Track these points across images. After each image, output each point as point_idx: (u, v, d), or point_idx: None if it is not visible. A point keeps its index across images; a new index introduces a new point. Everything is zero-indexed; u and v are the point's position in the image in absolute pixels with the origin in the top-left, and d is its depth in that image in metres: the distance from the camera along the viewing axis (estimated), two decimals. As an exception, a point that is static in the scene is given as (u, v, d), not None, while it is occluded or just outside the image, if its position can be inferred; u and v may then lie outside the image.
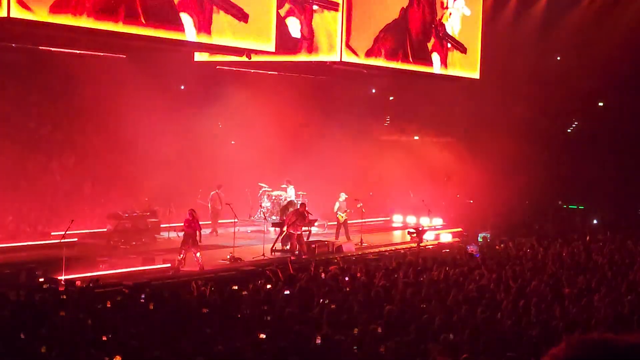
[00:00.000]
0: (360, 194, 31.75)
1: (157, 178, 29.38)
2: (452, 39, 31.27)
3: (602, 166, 37.20)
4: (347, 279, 19.50)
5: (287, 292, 17.27)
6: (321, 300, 16.27)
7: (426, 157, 37.03)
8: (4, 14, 18.50)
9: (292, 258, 24.31)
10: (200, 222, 24.02)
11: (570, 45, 38.68)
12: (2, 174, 27.99)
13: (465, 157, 35.94)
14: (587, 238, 29.02)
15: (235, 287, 18.00)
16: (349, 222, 30.14)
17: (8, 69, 28.81)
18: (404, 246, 28.80)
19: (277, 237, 26.97)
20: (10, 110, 29.28)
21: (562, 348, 2.56)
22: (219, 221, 30.17)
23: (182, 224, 23.98)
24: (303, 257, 25.28)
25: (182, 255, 22.92)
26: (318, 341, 12.80)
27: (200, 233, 23.79)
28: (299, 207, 27.48)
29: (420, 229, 26.50)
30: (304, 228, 27.16)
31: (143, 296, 16.68)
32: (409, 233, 27.10)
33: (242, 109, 33.19)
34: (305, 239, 27.03)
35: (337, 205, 29.99)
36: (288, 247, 26.20)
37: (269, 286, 17.96)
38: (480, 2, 32.74)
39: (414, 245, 25.76)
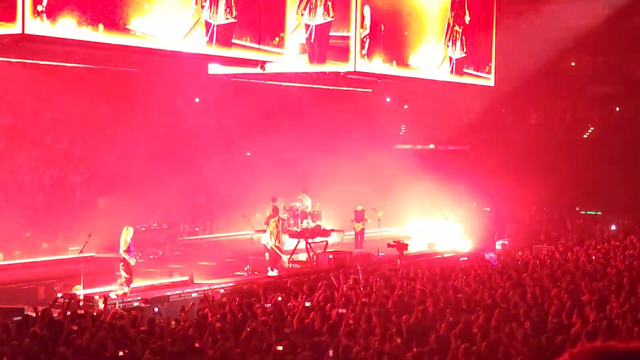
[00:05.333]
0: (377, 203, 31.72)
1: (173, 191, 29.43)
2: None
3: (620, 171, 37.04)
4: (364, 289, 19.45)
5: (307, 303, 17.25)
6: (339, 310, 16.23)
7: (442, 165, 36.96)
8: (19, 31, 18.52)
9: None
10: None
11: (585, 51, 38.59)
12: (20, 190, 28.13)
13: (481, 164, 35.86)
14: (606, 244, 28.85)
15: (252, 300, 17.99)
16: (365, 231, 30.16)
17: (24, 85, 28.95)
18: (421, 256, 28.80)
19: (294, 248, 27.00)
20: (27, 127, 29.42)
21: (565, 358, 2.57)
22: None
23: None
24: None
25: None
26: (330, 354, 12.76)
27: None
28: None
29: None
30: (319, 239, 27.22)
31: (157, 310, 16.70)
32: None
33: (257, 120, 33.24)
34: (323, 249, 27.12)
35: (353, 215, 30.10)
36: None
37: (279, 298, 17.90)
38: (494, 9, 32.66)
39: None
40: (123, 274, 21.02)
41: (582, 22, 37.91)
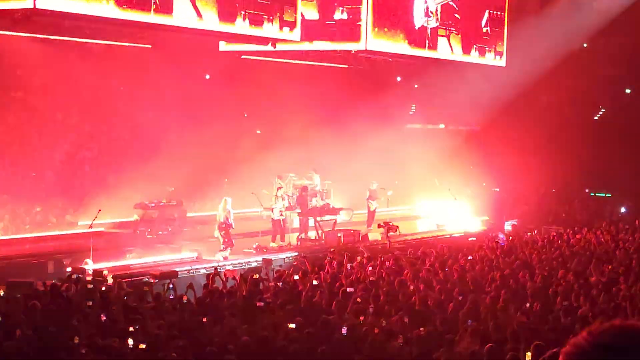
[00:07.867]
0: (386, 182, 31.70)
1: (183, 168, 29.44)
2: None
3: (630, 153, 36.93)
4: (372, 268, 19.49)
5: (315, 281, 17.28)
6: (347, 289, 16.26)
7: (452, 145, 36.86)
8: (30, 5, 18.52)
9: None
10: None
11: (597, 32, 38.37)
12: (30, 165, 28.19)
13: (491, 145, 35.77)
14: (615, 227, 28.82)
15: (258, 276, 18.06)
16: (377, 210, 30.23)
17: (35, 60, 28.91)
18: (429, 235, 28.82)
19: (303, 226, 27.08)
20: (37, 102, 29.44)
21: (583, 336, 2.59)
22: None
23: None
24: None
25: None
26: (344, 331, 12.80)
27: None
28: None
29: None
30: (328, 217, 27.39)
31: (171, 286, 16.79)
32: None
33: (267, 98, 33.17)
34: (332, 228, 27.22)
35: (367, 193, 30.08)
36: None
37: (296, 277, 17.96)
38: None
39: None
40: (221, 239, 23.05)
41: (596, 4, 37.69)
